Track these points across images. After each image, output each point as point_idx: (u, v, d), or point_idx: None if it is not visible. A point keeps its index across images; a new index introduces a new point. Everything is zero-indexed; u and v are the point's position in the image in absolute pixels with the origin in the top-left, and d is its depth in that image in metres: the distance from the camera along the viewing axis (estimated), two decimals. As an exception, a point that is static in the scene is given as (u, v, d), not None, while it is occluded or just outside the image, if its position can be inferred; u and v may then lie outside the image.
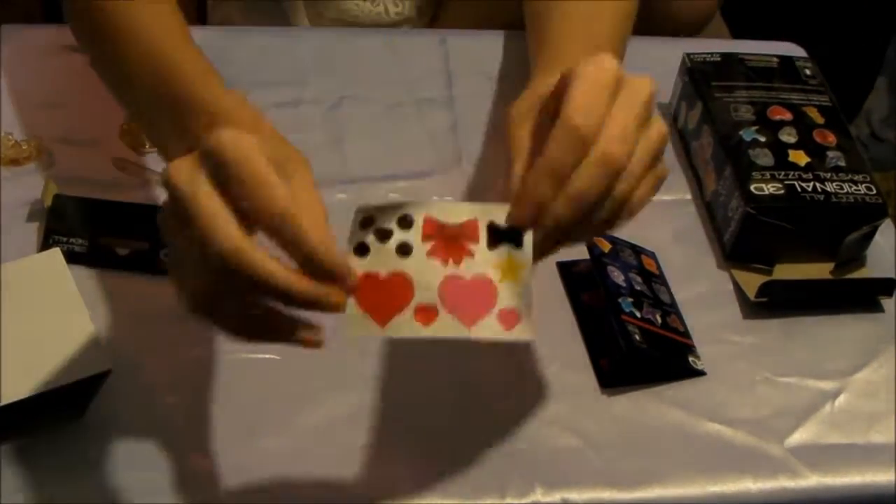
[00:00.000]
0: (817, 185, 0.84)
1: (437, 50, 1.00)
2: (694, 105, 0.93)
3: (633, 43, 1.04)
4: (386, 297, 0.54)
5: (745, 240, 0.85)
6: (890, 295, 0.84)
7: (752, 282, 0.83)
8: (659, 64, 1.00)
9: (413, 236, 0.55)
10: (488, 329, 0.54)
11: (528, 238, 0.57)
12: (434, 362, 0.77)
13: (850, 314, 0.84)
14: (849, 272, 0.86)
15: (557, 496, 0.71)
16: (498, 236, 0.56)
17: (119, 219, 0.82)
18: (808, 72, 0.94)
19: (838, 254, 0.85)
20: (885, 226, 0.86)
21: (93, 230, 0.80)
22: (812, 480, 0.73)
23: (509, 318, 0.55)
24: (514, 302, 0.55)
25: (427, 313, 0.54)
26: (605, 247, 0.82)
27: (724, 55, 0.95)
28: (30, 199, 0.82)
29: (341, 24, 1.05)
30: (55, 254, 0.70)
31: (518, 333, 0.55)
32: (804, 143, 0.87)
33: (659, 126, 0.64)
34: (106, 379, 0.68)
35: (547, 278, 0.83)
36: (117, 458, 0.70)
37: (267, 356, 0.76)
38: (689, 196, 0.92)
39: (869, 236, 0.86)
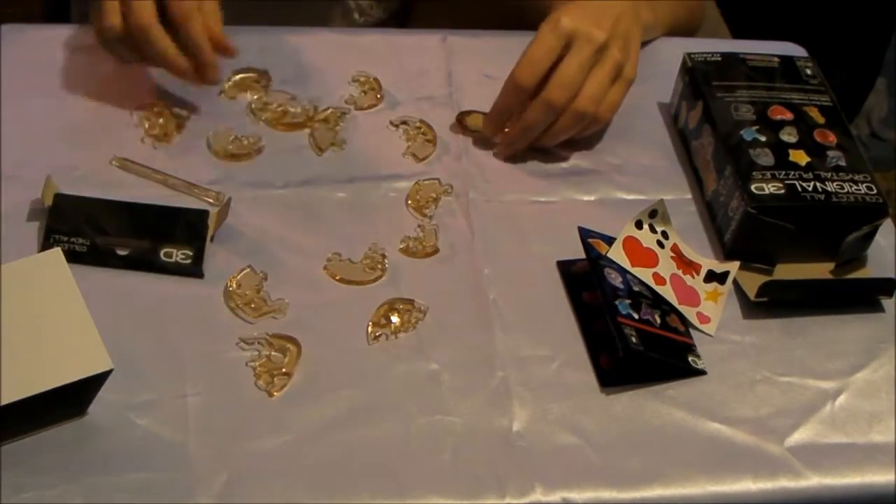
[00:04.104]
0: (818, 184, 0.84)
1: (437, 50, 1.00)
2: (694, 105, 0.93)
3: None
4: (642, 254, 0.82)
5: (745, 239, 0.85)
6: (890, 295, 0.84)
7: (752, 282, 0.83)
8: (659, 64, 1.00)
9: (666, 242, 0.84)
10: (689, 314, 0.82)
11: (729, 278, 0.84)
12: (433, 362, 0.77)
13: (850, 314, 0.84)
14: (849, 272, 0.86)
15: (557, 496, 0.71)
16: (711, 276, 0.85)
17: (119, 219, 0.82)
18: (808, 72, 0.94)
19: (839, 254, 0.85)
20: (886, 226, 0.86)
21: (93, 230, 0.80)
22: (812, 480, 0.73)
23: (702, 318, 0.82)
24: (709, 312, 0.82)
25: (658, 279, 0.82)
26: (603, 249, 0.82)
27: (725, 55, 0.95)
28: (30, 198, 0.82)
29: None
30: (56, 254, 0.70)
31: (704, 328, 0.81)
32: (805, 143, 0.87)
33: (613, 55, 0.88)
34: (106, 379, 0.68)
35: (547, 277, 0.84)
36: (117, 458, 0.70)
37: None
38: (689, 196, 0.92)
39: (869, 236, 0.86)
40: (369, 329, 0.78)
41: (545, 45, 0.88)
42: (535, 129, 0.90)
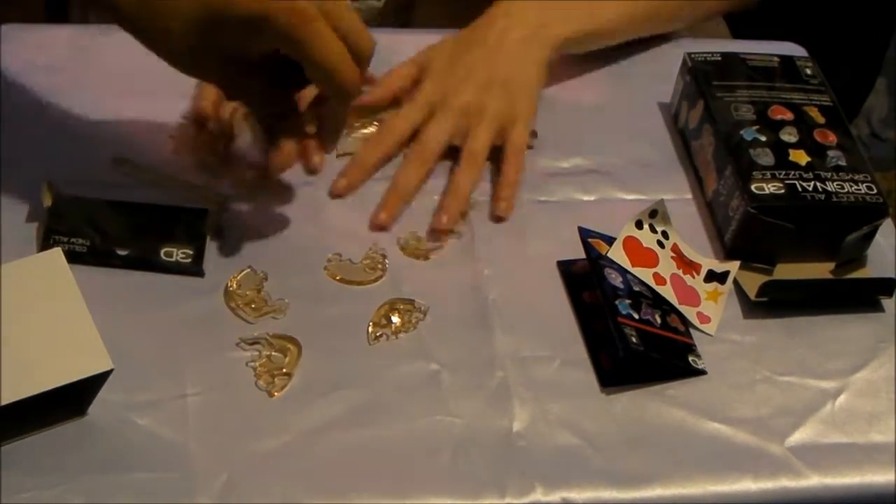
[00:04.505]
0: (818, 184, 0.84)
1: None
2: (695, 104, 0.93)
3: (634, 43, 1.04)
4: (642, 254, 0.82)
5: (745, 239, 0.85)
6: (890, 295, 0.84)
7: (752, 282, 0.83)
8: (660, 64, 1.00)
9: (666, 242, 0.84)
10: (689, 314, 0.81)
11: (729, 278, 0.84)
12: (434, 363, 0.77)
13: (850, 314, 0.84)
14: (849, 272, 0.86)
15: (557, 496, 0.71)
16: (711, 276, 0.84)
17: (119, 219, 0.82)
18: (808, 71, 0.94)
19: (839, 254, 0.85)
20: (886, 226, 0.86)
21: (93, 230, 0.80)
22: (812, 480, 0.73)
23: (702, 318, 0.82)
24: (709, 312, 0.82)
25: (659, 279, 0.82)
26: (603, 249, 0.82)
27: (725, 55, 0.95)
28: (29, 199, 0.82)
29: None
30: (56, 254, 0.70)
31: (704, 328, 0.81)
32: (805, 143, 0.87)
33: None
34: (106, 379, 0.68)
35: (547, 277, 0.83)
36: (117, 458, 0.70)
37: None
38: (689, 196, 0.92)
39: (869, 236, 0.86)
40: (370, 329, 0.78)
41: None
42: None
